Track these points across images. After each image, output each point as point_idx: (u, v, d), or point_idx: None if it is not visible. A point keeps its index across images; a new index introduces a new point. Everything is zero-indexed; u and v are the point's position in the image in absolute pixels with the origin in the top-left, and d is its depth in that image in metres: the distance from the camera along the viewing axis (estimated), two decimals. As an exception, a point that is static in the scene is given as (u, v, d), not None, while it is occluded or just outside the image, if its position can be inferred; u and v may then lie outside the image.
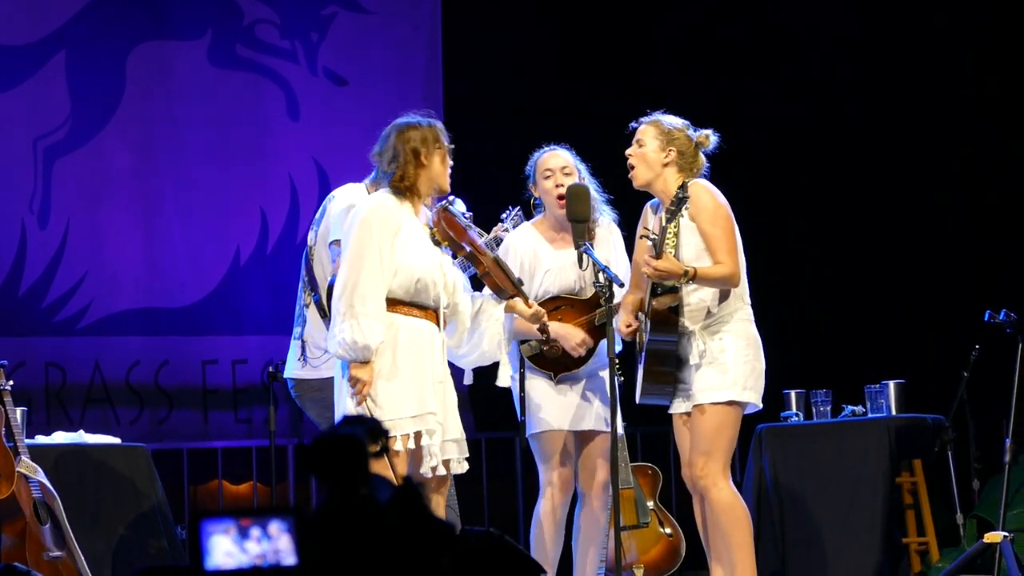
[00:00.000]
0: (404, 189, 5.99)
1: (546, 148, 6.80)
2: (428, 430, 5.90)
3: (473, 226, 6.27)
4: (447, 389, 6.03)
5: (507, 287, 6.17)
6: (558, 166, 6.71)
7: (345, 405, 5.92)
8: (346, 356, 5.85)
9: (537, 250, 6.73)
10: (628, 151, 6.46)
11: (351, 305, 5.83)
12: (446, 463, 5.98)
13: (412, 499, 3.20)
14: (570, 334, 6.61)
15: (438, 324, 6.01)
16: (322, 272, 6.58)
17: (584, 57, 9.98)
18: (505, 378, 6.25)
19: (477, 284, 6.31)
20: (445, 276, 6.03)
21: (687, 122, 6.47)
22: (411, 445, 5.88)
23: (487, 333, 6.16)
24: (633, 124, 6.50)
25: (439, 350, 6.00)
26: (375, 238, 5.88)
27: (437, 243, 6.05)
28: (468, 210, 6.30)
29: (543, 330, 6.30)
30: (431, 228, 6.06)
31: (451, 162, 6.09)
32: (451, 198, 6.13)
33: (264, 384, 8.97)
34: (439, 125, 6.09)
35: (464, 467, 6.06)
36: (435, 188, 6.06)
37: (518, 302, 6.19)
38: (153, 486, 7.58)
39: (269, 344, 9.21)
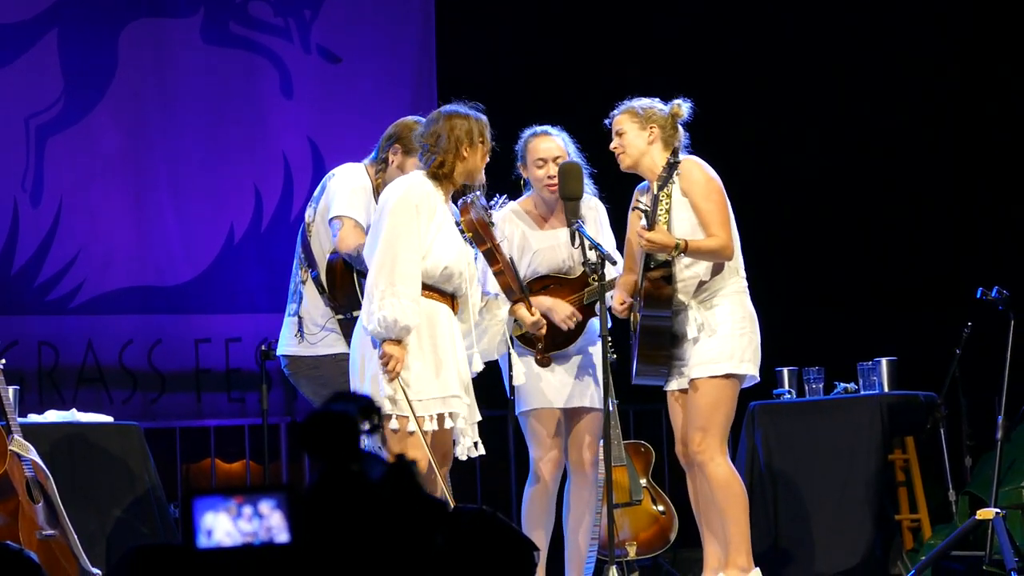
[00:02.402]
0: (442, 176, 6.02)
1: (536, 129, 6.77)
2: (452, 413, 5.94)
3: (496, 223, 6.32)
4: (467, 373, 6.07)
5: (515, 289, 6.21)
6: (551, 155, 6.69)
7: (369, 382, 5.90)
8: (382, 334, 5.83)
9: (525, 231, 6.73)
10: (612, 145, 6.48)
11: (392, 283, 5.83)
12: (475, 445, 6.06)
13: (404, 477, 3.20)
14: (558, 307, 6.60)
15: (454, 310, 6.04)
16: (320, 249, 6.57)
17: (580, 34, 9.96)
18: (520, 375, 6.28)
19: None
20: (469, 266, 6.06)
21: (656, 99, 6.49)
22: (434, 426, 5.90)
23: (488, 331, 6.20)
24: (607, 121, 6.52)
25: (459, 335, 6.03)
26: (413, 219, 5.91)
27: (461, 232, 6.07)
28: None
29: (539, 339, 6.31)
30: (458, 218, 6.09)
31: (488, 159, 6.12)
32: (478, 193, 6.15)
33: (257, 362, 8.97)
34: (485, 120, 6.12)
35: (482, 450, 6.10)
36: (471, 180, 6.10)
37: (521, 307, 6.22)
38: (146, 465, 7.59)
39: (263, 322, 9.19)
